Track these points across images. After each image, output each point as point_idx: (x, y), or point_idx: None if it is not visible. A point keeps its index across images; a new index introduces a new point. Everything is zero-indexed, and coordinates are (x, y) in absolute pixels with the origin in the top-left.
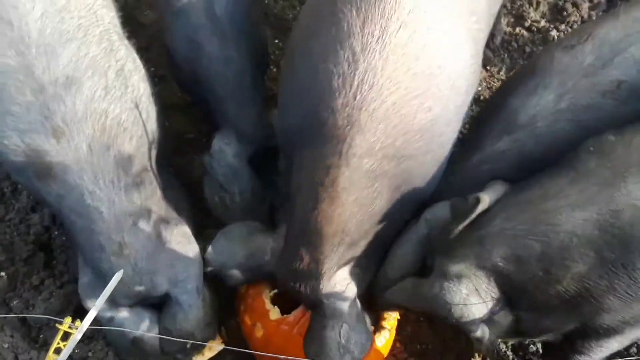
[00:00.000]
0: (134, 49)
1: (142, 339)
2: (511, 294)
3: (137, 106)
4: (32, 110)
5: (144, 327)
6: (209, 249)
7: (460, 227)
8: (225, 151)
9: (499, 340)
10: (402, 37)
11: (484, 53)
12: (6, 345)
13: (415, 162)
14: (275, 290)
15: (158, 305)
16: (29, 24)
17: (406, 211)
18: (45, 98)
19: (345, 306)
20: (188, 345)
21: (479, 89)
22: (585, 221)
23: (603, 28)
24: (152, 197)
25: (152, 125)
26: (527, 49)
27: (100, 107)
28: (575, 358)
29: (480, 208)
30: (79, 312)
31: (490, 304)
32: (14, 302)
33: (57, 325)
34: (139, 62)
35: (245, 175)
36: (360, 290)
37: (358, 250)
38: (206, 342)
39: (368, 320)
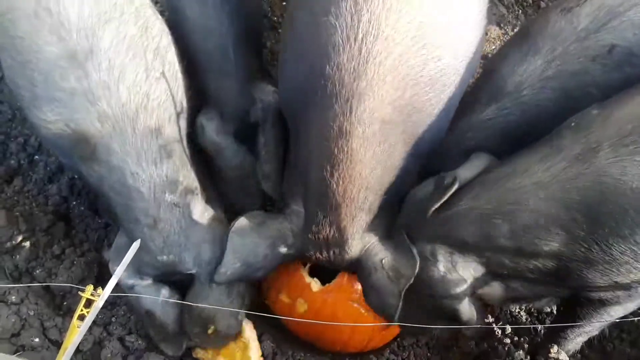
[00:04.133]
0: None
1: (154, 313)
2: (491, 267)
3: (174, 83)
4: (76, 96)
5: (160, 301)
6: (226, 256)
7: (436, 206)
8: (206, 127)
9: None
10: None
11: (498, 10)
12: (32, 313)
13: (426, 114)
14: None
15: (181, 286)
16: (67, 9)
17: (419, 162)
18: (90, 84)
19: (378, 246)
20: (209, 331)
21: (493, 47)
22: (550, 200)
23: None
24: (190, 176)
25: (184, 100)
26: (542, 4)
27: (143, 89)
28: (582, 324)
29: (455, 187)
30: (100, 280)
31: (470, 278)
32: (37, 271)
33: (79, 292)
34: (170, 36)
35: (230, 152)
36: (385, 230)
37: (379, 202)
38: (228, 333)
39: (403, 238)
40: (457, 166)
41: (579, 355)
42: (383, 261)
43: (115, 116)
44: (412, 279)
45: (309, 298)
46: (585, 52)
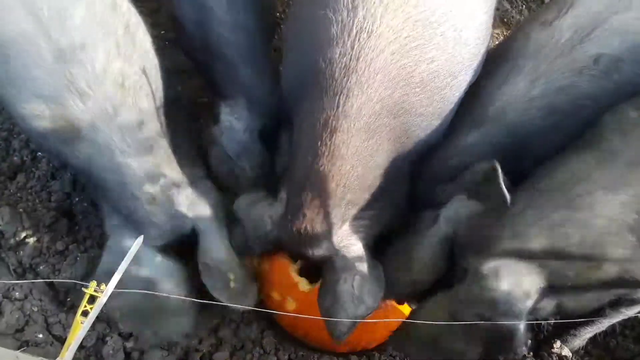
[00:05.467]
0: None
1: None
2: (554, 282)
3: (146, 62)
4: (55, 75)
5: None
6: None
7: (505, 192)
8: (235, 127)
9: None
10: None
11: (501, 4)
12: (35, 309)
13: (416, 116)
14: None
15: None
16: None
17: (409, 164)
18: (66, 62)
19: (355, 258)
20: (232, 283)
21: (496, 42)
22: (622, 204)
23: None
24: (171, 153)
25: (159, 79)
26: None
27: (116, 67)
28: (596, 319)
29: (499, 171)
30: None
31: (535, 296)
32: (41, 267)
33: (83, 289)
34: (138, 15)
35: (256, 151)
36: (368, 242)
37: (363, 203)
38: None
39: (380, 269)
40: (445, 189)
41: (581, 351)
42: (355, 277)
43: (95, 94)
44: (372, 311)
45: (298, 297)
46: (571, 65)
